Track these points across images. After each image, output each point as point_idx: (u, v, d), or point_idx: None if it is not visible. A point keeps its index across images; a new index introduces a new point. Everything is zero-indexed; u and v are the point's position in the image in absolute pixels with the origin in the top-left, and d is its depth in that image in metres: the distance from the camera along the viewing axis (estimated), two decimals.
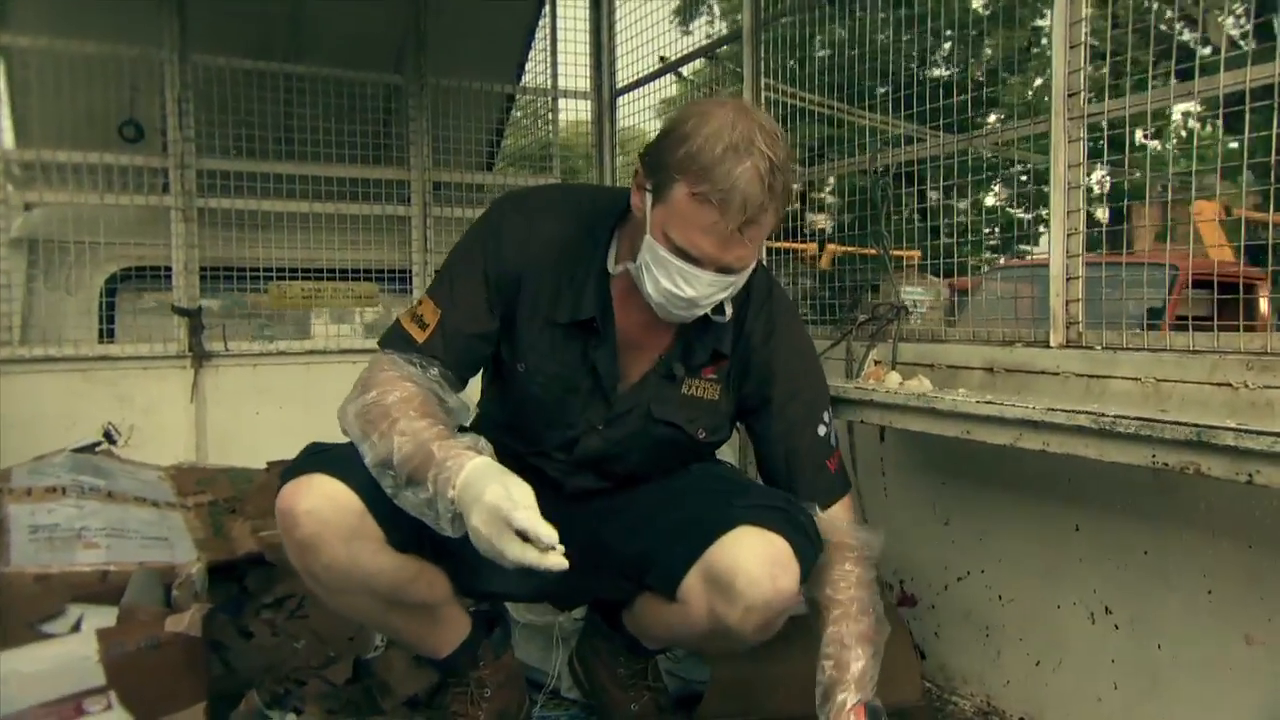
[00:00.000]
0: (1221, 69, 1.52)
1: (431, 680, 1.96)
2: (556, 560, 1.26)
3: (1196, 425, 1.23)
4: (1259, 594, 1.53)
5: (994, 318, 2.05)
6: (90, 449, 2.60)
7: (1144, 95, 1.65)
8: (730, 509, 1.54)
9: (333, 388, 1.53)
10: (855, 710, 1.46)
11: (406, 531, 1.47)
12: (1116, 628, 1.77)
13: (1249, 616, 1.54)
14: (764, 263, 1.88)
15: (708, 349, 1.60)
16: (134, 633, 1.77)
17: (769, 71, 2.64)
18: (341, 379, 1.53)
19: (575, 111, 3.89)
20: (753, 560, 1.46)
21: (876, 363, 2.13)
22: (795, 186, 2.71)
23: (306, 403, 3.23)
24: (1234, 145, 1.55)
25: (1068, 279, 1.76)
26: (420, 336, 1.52)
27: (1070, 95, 1.75)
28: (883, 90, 2.23)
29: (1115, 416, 1.34)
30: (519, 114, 4.49)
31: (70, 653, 1.71)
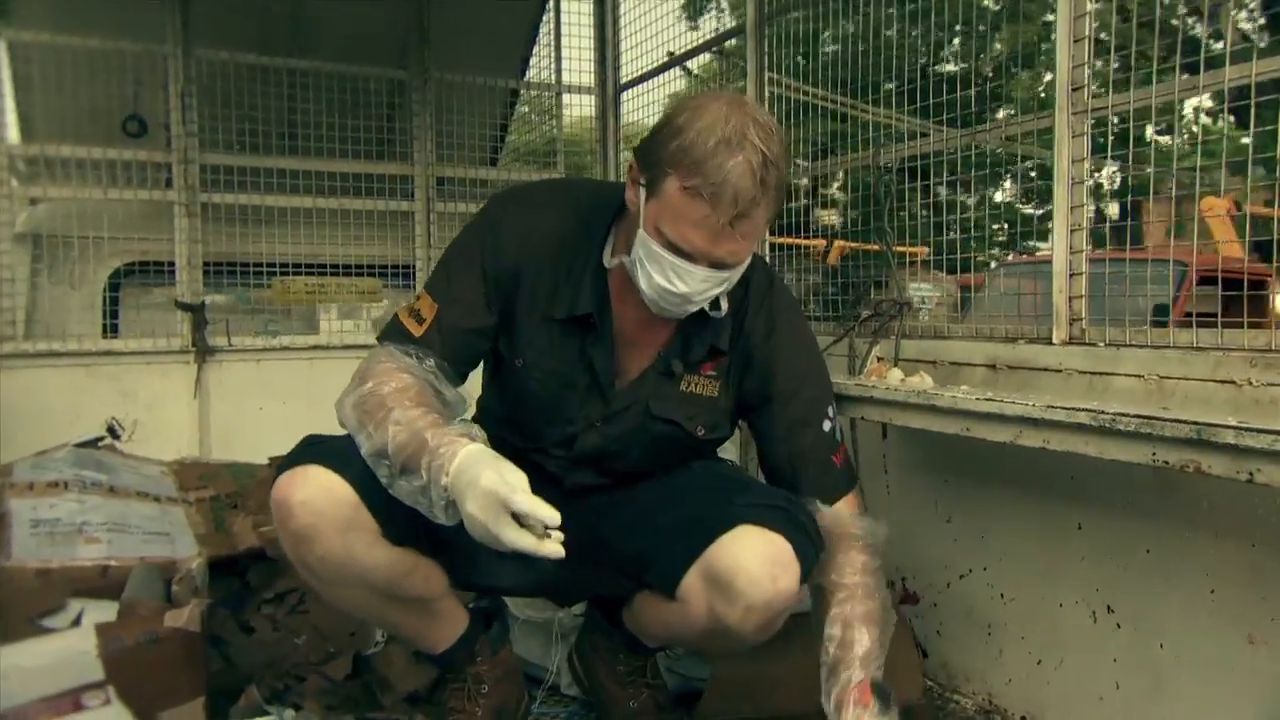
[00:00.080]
0: (1226, 63, 1.50)
1: (431, 676, 1.96)
2: (553, 547, 1.25)
3: (1197, 423, 1.21)
4: (1261, 593, 1.51)
5: (1001, 315, 2.03)
6: (93, 444, 2.60)
7: (1148, 90, 1.63)
8: (731, 507, 1.53)
9: (336, 383, 1.52)
10: (860, 687, 1.43)
11: (402, 524, 1.47)
12: (1118, 626, 1.76)
13: (1251, 616, 1.53)
14: (764, 258, 1.87)
15: (706, 345, 1.59)
16: (133, 628, 1.77)
17: (773, 66, 2.63)
18: (345, 374, 1.52)
19: (581, 107, 3.88)
20: (753, 559, 1.46)
21: (879, 359, 2.12)
22: (803, 182, 2.71)
23: (310, 398, 3.23)
24: (1246, 141, 1.53)
25: (1071, 275, 1.74)
26: (417, 331, 1.52)
27: (1074, 90, 1.74)
28: (890, 86, 2.22)
29: (1115, 414, 1.33)
30: (525, 109, 4.49)
31: (69, 647, 1.72)
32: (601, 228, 1.56)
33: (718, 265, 1.39)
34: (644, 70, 3.49)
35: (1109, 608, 1.78)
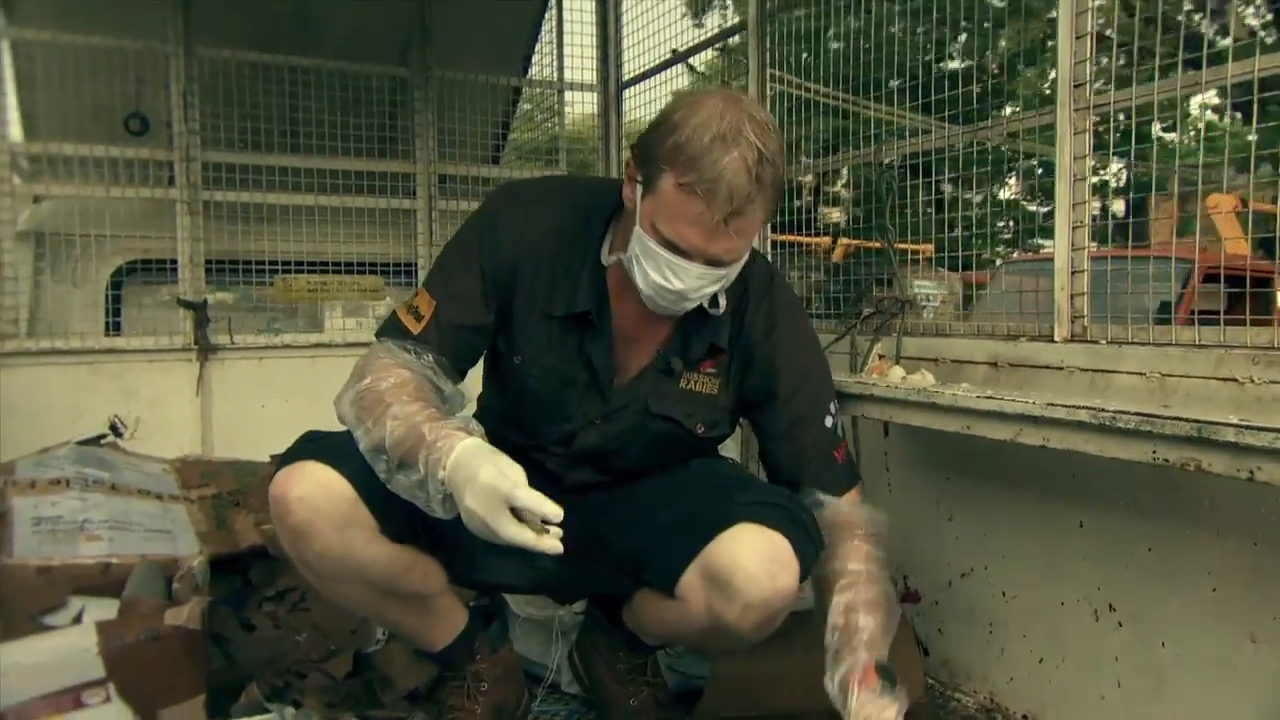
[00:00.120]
0: (1230, 59, 1.49)
1: (432, 674, 1.96)
2: (552, 543, 1.25)
3: (1197, 421, 1.21)
4: (1263, 592, 1.51)
5: (1004, 312, 2.03)
6: (95, 441, 2.61)
7: (1150, 86, 1.62)
8: (730, 505, 1.52)
9: (338, 381, 1.52)
10: (865, 668, 1.41)
11: (400, 520, 1.47)
12: (1120, 625, 1.75)
13: (1253, 615, 1.52)
14: (764, 255, 1.86)
15: (705, 343, 1.58)
16: (133, 625, 1.78)
17: (774, 63, 2.62)
18: (347, 372, 1.53)
19: (585, 104, 3.88)
20: (752, 558, 1.45)
21: (880, 357, 2.11)
22: (808, 179, 2.70)
23: (312, 396, 3.23)
24: (1253, 137, 1.52)
25: (1073, 272, 1.73)
26: (415, 328, 1.52)
27: (1076, 86, 1.73)
28: (896, 83, 2.20)
29: (1115, 412, 1.32)
30: (529, 107, 4.48)
31: (70, 645, 1.72)
32: (600, 224, 1.55)
33: (713, 262, 1.39)
34: (646, 67, 3.48)
35: (1110, 606, 1.77)
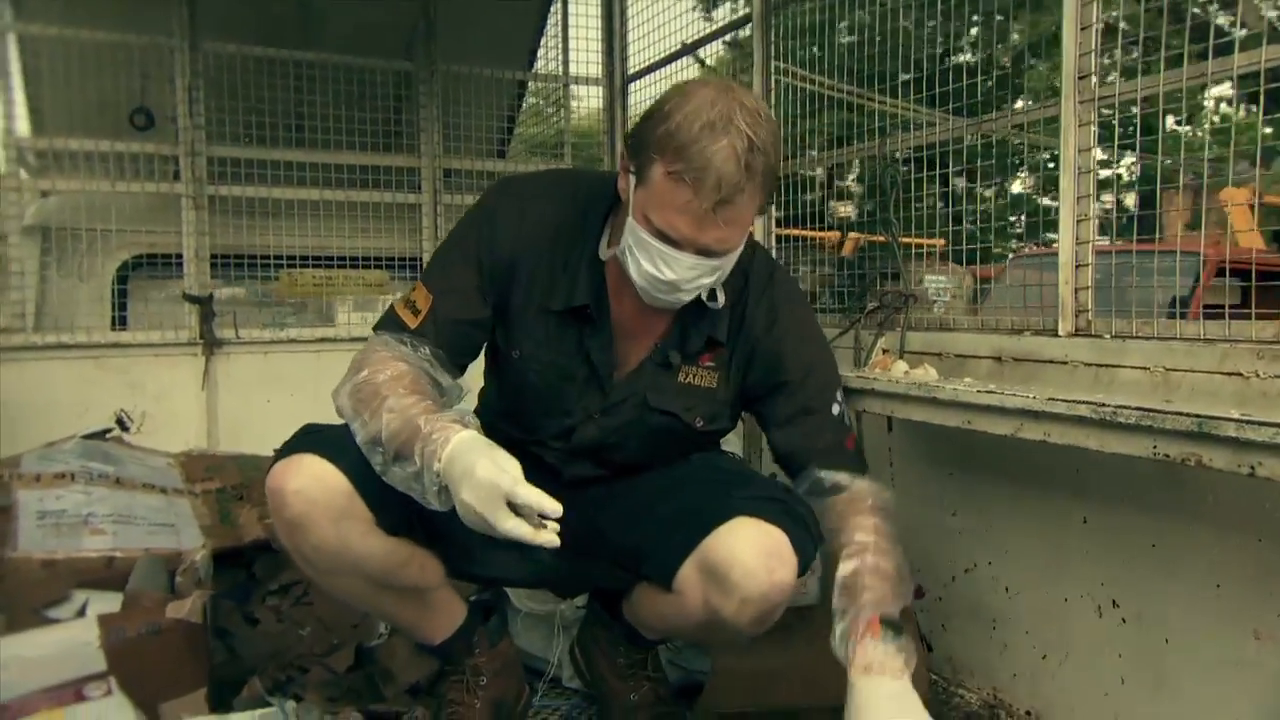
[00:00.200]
0: (1236, 50, 1.47)
1: (434, 668, 1.96)
2: (549, 537, 1.25)
3: (1197, 416, 1.19)
4: (1268, 589, 1.49)
5: (1009, 306, 2.01)
6: (100, 435, 2.62)
7: (1156, 77, 1.60)
8: (729, 500, 1.51)
9: (343, 375, 1.53)
10: (870, 619, 1.35)
11: (397, 514, 1.47)
12: (1124, 622, 1.74)
13: (1258, 612, 1.51)
14: (765, 248, 1.85)
15: (703, 336, 1.57)
16: (135, 619, 1.78)
17: (779, 55, 2.60)
18: None
19: (593, 99, 3.88)
20: (749, 552, 1.44)
21: (885, 351, 2.10)
22: (818, 173, 2.69)
23: (317, 390, 3.19)
24: (1269, 129, 1.50)
25: (1077, 266, 1.72)
26: (413, 322, 1.51)
27: (1081, 78, 1.71)
28: (907, 77, 2.19)
29: (1116, 407, 1.31)
30: (540, 101, 4.47)
31: (72, 638, 1.73)
32: (598, 218, 1.55)
33: (705, 252, 1.38)
34: (652, 61, 3.47)
35: (1114, 603, 1.76)
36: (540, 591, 2.08)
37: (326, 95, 3.38)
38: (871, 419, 2.19)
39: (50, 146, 3.08)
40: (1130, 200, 2.04)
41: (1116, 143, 1.71)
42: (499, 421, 1.68)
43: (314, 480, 1.44)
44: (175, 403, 3.17)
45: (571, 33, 3.82)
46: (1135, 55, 1.66)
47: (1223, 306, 1.53)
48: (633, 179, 1.39)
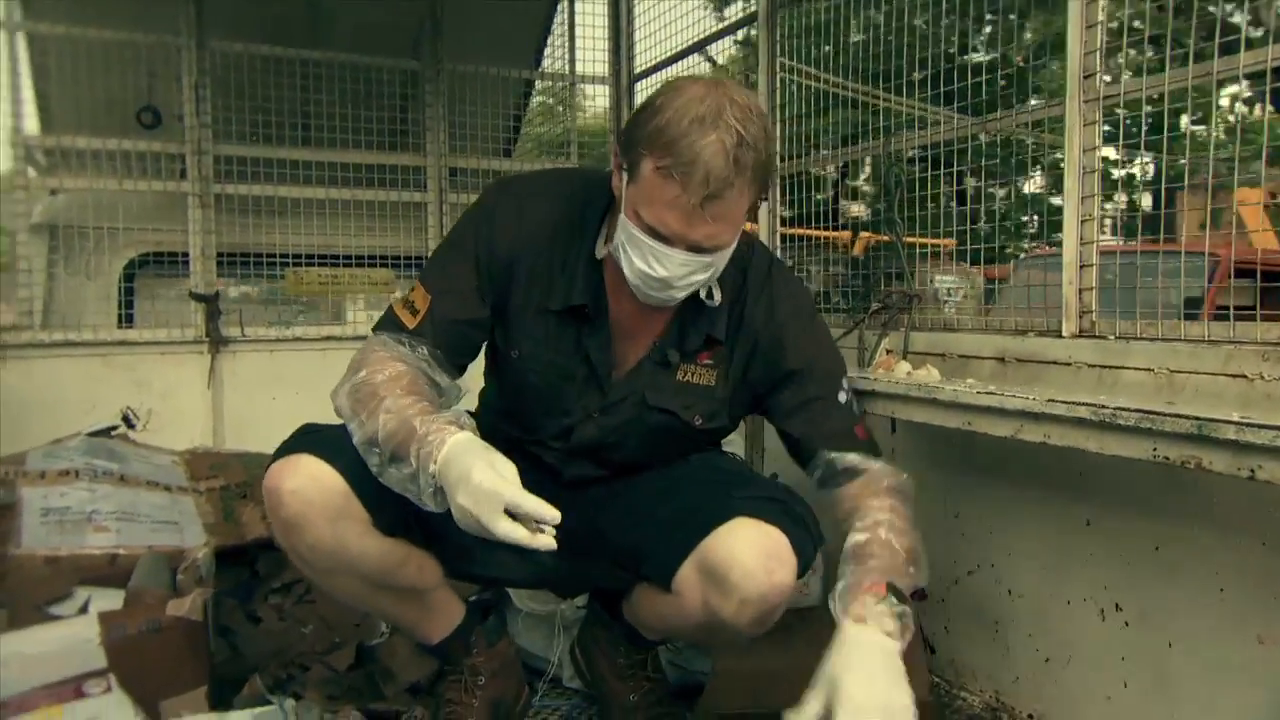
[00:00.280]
0: (1242, 49, 1.46)
1: (434, 667, 1.96)
2: (546, 540, 1.25)
3: (1197, 418, 1.18)
4: (1272, 593, 1.48)
5: (1013, 306, 2.00)
6: (105, 433, 2.63)
7: (1161, 76, 1.59)
8: (728, 500, 1.51)
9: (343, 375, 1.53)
10: (875, 581, 1.31)
11: (393, 514, 1.47)
12: (1126, 625, 1.72)
13: (1262, 616, 1.49)
14: (764, 245, 1.84)
15: (702, 334, 1.57)
16: (136, 616, 1.78)
17: (788, 53, 2.59)
18: None
19: (602, 98, 3.87)
20: (748, 552, 1.44)
21: (888, 352, 2.09)
22: (828, 172, 2.68)
23: (322, 389, 3.18)
24: None
25: (1081, 266, 1.71)
26: (411, 323, 1.51)
27: (1086, 77, 1.70)
28: (917, 76, 2.17)
29: (1115, 409, 1.30)
30: (550, 100, 4.47)
31: (73, 635, 1.73)
32: (596, 216, 1.54)
33: (696, 249, 1.37)
34: (658, 60, 3.46)
35: (1117, 606, 1.74)
36: (541, 591, 2.08)
37: (333, 94, 3.38)
38: (875, 421, 2.17)
39: (58, 144, 3.09)
40: (1145, 201, 2.01)
41: (1122, 140, 1.69)
42: (499, 421, 1.67)
43: (310, 480, 1.44)
44: (181, 400, 3.18)
45: (578, 31, 3.81)
46: (1138, 54, 1.64)
47: (1240, 307, 1.50)
48: (625, 176, 1.38)
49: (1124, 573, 1.73)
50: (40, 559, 2.03)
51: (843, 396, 1.60)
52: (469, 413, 1.59)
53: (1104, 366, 1.63)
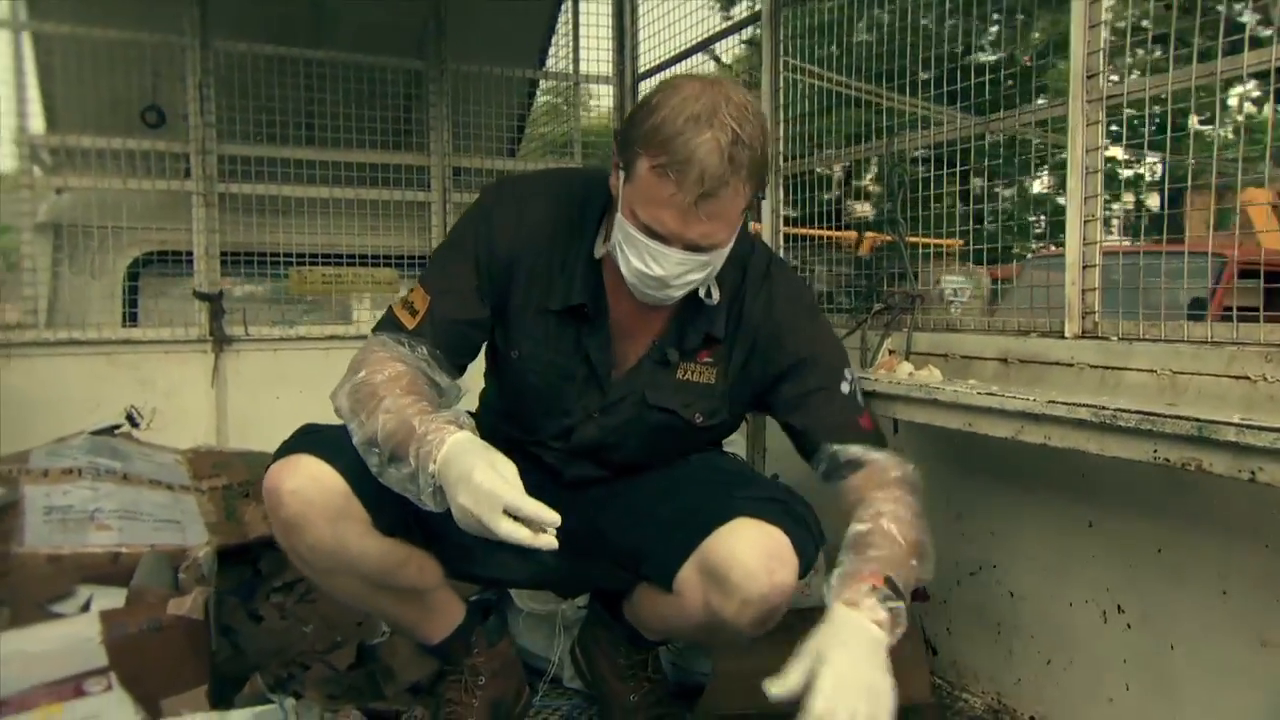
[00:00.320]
0: (1246, 49, 1.45)
1: (435, 667, 1.96)
2: (547, 540, 1.24)
3: (1197, 420, 1.17)
4: (1275, 595, 1.47)
5: (1017, 307, 1.99)
6: (109, 431, 2.63)
7: (1165, 76, 1.58)
8: (729, 500, 1.50)
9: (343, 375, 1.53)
10: (874, 571, 1.28)
11: (393, 515, 1.46)
12: (1129, 627, 1.72)
13: (1265, 619, 1.49)
14: (764, 242, 1.84)
15: (701, 332, 1.56)
16: (136, 615, 1.79)
17: (792, 53, 2.58)
18: None
19: (608, 98, 3.86)
20: (749, 553, 1.43)
21: (891, 352, 2.08)
22: (835, 172, 2.67)
23: (326, 388, 3.21)
24: None
25: (1084, 267, 1.70)
26: (411, 323, 1.51)
27: (1089, 77, 1.69)
28: (925, 76, 2.16)
29: (1116, 410, 1.29)
30: (556, 100, 4.46)
31: (74, 633, 1.73)
32: (594, 216, 1.54)
33: (692, 248, 1.36)
34: (663, 59, 3.45)
35: (1119, 608, 1.74)
36: (542, 592, 2.08)
37: (337, 93, 3.38)
38: (877, 421, 2.17)
39: (63, 144, 3.10)
40: (1153, 201, 2.01)
41: (1124, 140, 1.68)
42: (499, 422, 1.67)
43: (310, 480, 1.44)
44: (185, 399, 3.18)
45: (582, 30, 3.81)
46: (1141, 54, 1.64)
47: (1244, 308, 1.49)
48: (622, 175, 1.38)
49: (1126, 574, 1.72)
50: (43, 557, 2.04)
51: (845, 388, 1.58)
52: (469, 413, 1.59)
53: (1106, 368, 1.62)
